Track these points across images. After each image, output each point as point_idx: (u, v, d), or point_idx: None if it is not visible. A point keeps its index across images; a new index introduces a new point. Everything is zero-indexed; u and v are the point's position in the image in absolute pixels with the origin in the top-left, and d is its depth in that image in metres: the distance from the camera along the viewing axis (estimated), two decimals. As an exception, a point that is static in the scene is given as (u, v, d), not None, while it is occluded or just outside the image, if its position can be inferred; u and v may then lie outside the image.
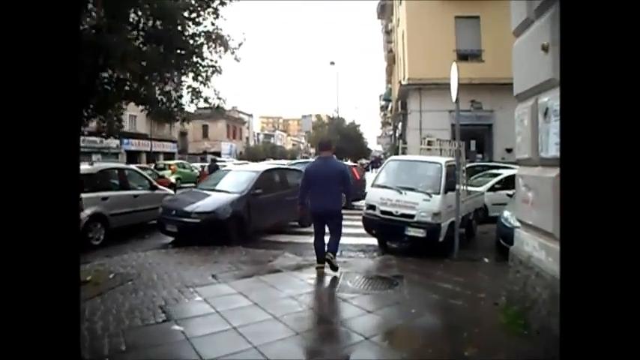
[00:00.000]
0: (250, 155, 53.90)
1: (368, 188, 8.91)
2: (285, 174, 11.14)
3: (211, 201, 9.12)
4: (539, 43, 4.14)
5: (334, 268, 6.72)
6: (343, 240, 9.59)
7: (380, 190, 8.60)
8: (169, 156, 46.83)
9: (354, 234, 10.29)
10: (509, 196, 10.17)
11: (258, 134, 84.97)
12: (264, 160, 38.98)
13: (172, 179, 25.20)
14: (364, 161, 45.68)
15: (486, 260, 8.17)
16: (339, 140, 35.56)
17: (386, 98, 39.86)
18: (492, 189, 12.51)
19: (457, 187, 8.00)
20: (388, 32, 35.79)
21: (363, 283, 6.31)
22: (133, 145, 42.23)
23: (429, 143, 10.85)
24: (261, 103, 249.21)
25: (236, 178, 10.13)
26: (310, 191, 6.87)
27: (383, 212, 8.36)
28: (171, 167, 30.01)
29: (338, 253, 7.28)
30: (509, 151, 20.13)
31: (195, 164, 35.60)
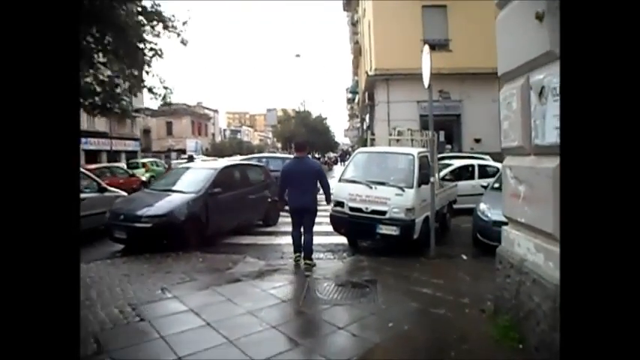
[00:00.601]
0: (217, 151, 52.46)
1: (335, 183, 8.20)
2: (246, 171, 10.30)
3: (164, 203, 8.21)
4: (531, 11, 3.49)
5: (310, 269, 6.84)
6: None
7: (348, 185, 7.90)
8: (132, 155, 45.01)
9: (322, 232, 9.57)
10: (484, 187, 9.66)
11: (224, 130, 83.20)
12: (230, 156, 37.81)
13: (144, 178, 23.78)
14: (332, 155, 45.07)
15: (464, 257, 7.60)
16: (305, 134, 34.75)
17: (353, 90, 39.28)
18: (443, 179, 12.04)
19: (431, 179, 7.37)
20: (354, 24, 35.19)
21: (332, 291, 5.59)
22: (92, 144, 40.29)
23: (399, 133, 10.22)
24: (227, 98, 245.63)
25: (192, 177, 9.23)
26: (288, 189, 7.19)
27: (352, 209, 7.67)
28: (145, 165, 28.52)
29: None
30: (477, 141, 19.85)
31: (159, 162, 34.24)
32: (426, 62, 7.39)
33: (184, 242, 7.94)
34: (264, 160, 16.48)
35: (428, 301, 5.13)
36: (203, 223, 8.46)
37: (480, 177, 12.39)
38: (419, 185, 7.43)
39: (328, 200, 7.58)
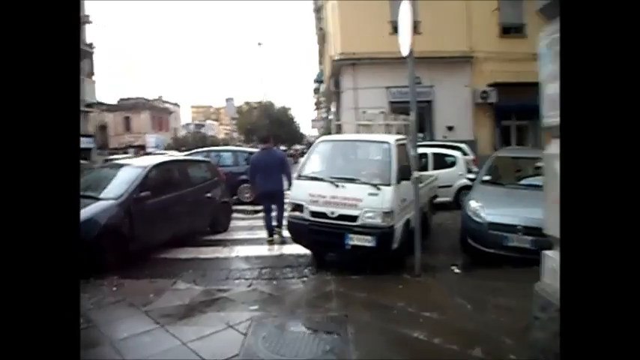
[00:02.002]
0: (179, 146, 49.70)
1: (292, 181, 6.45)
2: (186, 168, 8.34)
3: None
4: None
5: (283, 240, 7.67)
6: (262, 252, 7.26)
7: (308, 184, 6.14)
8: (85, 152, 41.93)
9: (277, 240, 7.84)
10: (471, 180, 8.08)
11: (188, 124, 79.92)
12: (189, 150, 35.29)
13: None
14: (298, 147, 43.15)
15: (456, 270, 6.00)
16: (268, 125, 32.72)
17: (318, 79, 37.44)
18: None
19: (414, 174, 5.68)
20: (318, 10, 33.30)
21: (284, 342, 3.83)
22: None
23: (369, 119, 8.50)
24: (191, 92, 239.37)
25: (114, 179, 7.27)
26: (257, 177, 7.89)
27: (314, 214, 5.93)
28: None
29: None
30: (450, 128, 18.43)
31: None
32: (404, 17, 5.65)
33: (99, 263, 6.04)
34: (212, 155, 14.49)
35: (424, 357, 3.45)
36: (125, 237, 6.55)
37: (436, 167, 10.89)
38: (398, 182, 5.75)
39: (290, 185, 7.33)
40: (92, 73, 45.02)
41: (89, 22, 45.18)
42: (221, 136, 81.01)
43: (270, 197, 7.80)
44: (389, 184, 5.66)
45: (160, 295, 5.17)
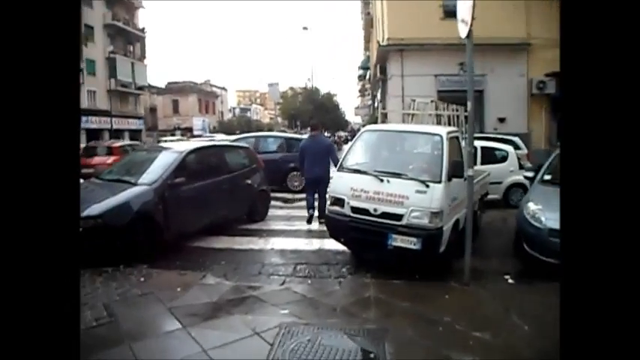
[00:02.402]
0: (224, 130, 50.17)
1: (332, 173, 5.96)
2: (224, 154, 8.00)
3: (102, 200, 6.03)
4: None
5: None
6: (299, 245, 6.84)
7: (350, 177, 5.64)
8: (135, 134, 43.14)
9: (317, 233, 7.39)
10: (528, 177, 7.33)
11: (234, 108, 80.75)
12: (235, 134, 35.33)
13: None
14: (342, 133, 42.47)
15: (510, 280, 5.37)
16: (312, 111, 32.25)
17: (364, 66, 36.66)
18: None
19: (468, 171, 5.06)
20: (365, -6, 32.44)
21: (312, 358, 3.39)
22: (93, 122, 38.37)
23: (417, 108, 7.83)
24: (237, 76, 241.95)
25: (151, 164, 7.02)
26: (305, 163, 8.16)
27: (355, 210, 5.44)
28: (114, 151, 24.50)
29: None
30: (502, 120, 17.36)
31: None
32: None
33: (130, 251, 5.82)
34: (261, 140, 14.06)
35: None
36: (158, 224, 6.30)
37: (485, 162, 9.98)
38: (449, 179, 5.16)
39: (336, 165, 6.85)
40: (144, 57, 46.01)
41: (141, 7, 46.13)
42: (266, 120, 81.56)
43: (316, 183, 7.98)
44: (439, 182, 5.08)
45: (188, 290, 4.86)
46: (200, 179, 7.11)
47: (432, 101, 7.83)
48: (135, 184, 6.45)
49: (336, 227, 5.72)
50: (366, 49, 38.64)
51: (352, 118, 51.85)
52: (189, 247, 6.84)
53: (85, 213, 5.73)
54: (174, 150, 7.23)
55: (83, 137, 36.19)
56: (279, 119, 55.26)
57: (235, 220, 8.14)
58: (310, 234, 7.52)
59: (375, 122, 20.15)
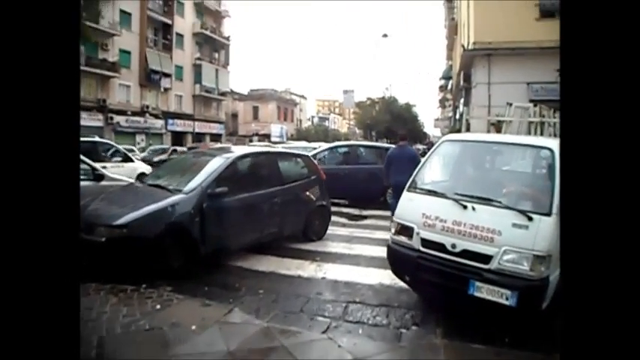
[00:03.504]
0: (301, 138, 50.05)
1: (402, 196, 4.63)
2: (276, 162, 6.95)
3: (132, 207, 5.19)
4: None
5: None
6: (355, 277, 5.58)
7: (422, 199, 4.29)
8: (216, 137, 44.22)
9: (377, 261, 6.06)
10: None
11: (312, 117, 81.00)
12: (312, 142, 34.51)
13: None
14: (420, 146, 40.38)
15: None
16: (389, 121, 30.70)
17: (445, 76, 34.51)
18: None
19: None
20: (450, 0, 30.48)
21: None
22: (178, 125, 39.81)
23: (512, 114, 6.23)
24: (318, 86, 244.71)
25: (193, 169, 6.12)
26: (391, 170, 8.01)
27: (426, 244, 4.09)
28: None
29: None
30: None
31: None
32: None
33: (158, 267, 4.93)
34: (353, 150, 12.82)
35: None
36: (193, 239, 5.36)
37: None
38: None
39: None
40: (227, 64, 47.16)
41: (228, 16, 47.37)
42: (343, 130, 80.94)
43: (401, 190, 6.78)
44: (548, 213, 3.60)
45: (205, 329, 3.80)
46: (248, 190, 6.11)
47: (535, 105, 6.22)
48: (171, 192, 5.57)
49: (400, 263, 4.40)
50: (449, 57, 36.47)
51: (431, 130, 49.43)
52: (227, 267, 5.86)
53: (109, 221, 4.94)
54: (220, 155, 6.26)
55: (169, 139, 37.63)
56: (356, 129, 54.15)
57: (288, 238, 7.05)
58: (371, 262, 6.22)
59: (458, 132, 18.30)
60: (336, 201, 11.30)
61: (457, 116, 27.04)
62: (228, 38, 46.53)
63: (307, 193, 7.25)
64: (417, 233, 4.16)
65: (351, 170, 11.34)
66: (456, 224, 3.91)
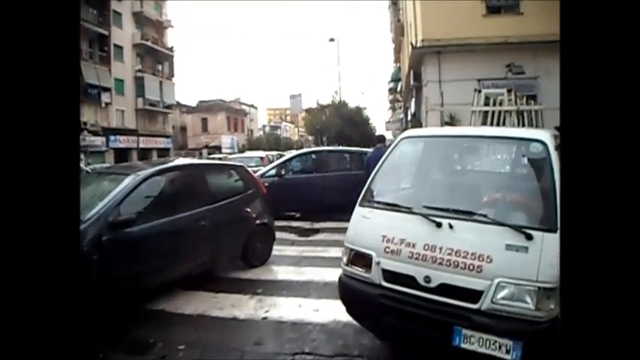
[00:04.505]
0: (253, 147, 48.44)
1: (354, 212, 3.50)
2: (202, 177, 5.58)
3: None
4: None
5: None
6: (305, 314, 4.47)
7: (381, 217, 3.21)
8: (163, 152, 41.96)
9: (328, 287, 4.94)
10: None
11: (264, 126, 79.34)
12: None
13: None
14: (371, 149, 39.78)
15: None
16: (340, 124, 29.82)
17: (394, 78, 34.16)
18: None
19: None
20: (395, 2, 30.15)
21: None
22: (121, 142, 37.33)
23: (488, 101, 5.22)
24: (268, 95, 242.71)
25: (93, 193, 4.77)
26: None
27: (391, 276, 3.01)
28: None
29: None
30: (559, 129, 14.58)
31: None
32: None
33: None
34: (316, 155, 11.62)
35: None
36: (90, 281, 4.03)
37: None
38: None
39: None
40: (172, 75, 45.01)
41: (170, 27, 45.29)
42: (295, 138, 79.86)
43: None
44: (552, 229, 2.58)
45: None
46: (165, 213, 4.85)
47: (509, 90, 5.29)
48: (60, 224, 4.23)
49: (356, 304, 3.29)
50: (397, 60, 36.26)
51: (383, 133, 49.24)
52: (145, 313, 4.58)
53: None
54: (130, 174, 4.95)
55: (111, 157, 35.21)
56: (309, 137, 53.26)
57: (224, 266, 5.82)
58: (324, 290, 5.10)
59: (381, 137, 17.46)
60: (287, 214, 10.21)
61: (408, 117, 26.52)
62: (171, 49, 44.44)
63: (245, 210, 6.06)
64: (377, 263, 3.07)
65: (321, 178, 10.27)
66: (428, 249, 2.84)
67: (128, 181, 4.68)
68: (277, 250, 6.67)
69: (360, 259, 3.21)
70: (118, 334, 4.08)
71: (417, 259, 2.88)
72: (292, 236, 8.34)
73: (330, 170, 10.73)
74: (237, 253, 5.88)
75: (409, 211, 3.03)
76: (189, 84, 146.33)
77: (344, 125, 29.54)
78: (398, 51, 32.71)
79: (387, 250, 3.02)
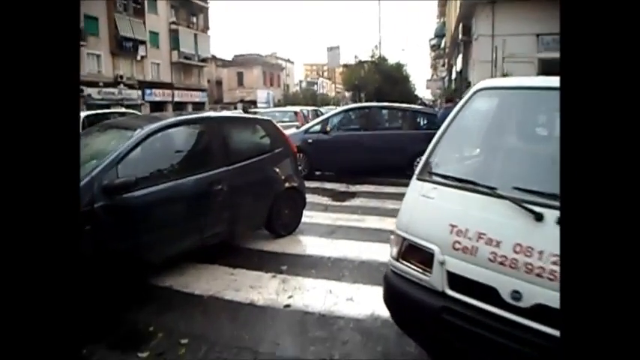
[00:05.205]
0: (289, 103, 47.43)
1: (409, 187, 2.57)
2: (219, 133, 4.64)
3: None
4: None
5: None
6: (337, 304, 3.67)
7: (450, 197, 2.29)
8: (198, 106, 41.59)
9: (365, 267, 4.11)
10: None
11: (300, 82, 77.72)
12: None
13: None
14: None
15: None
16: (379, 82, 28.21)
17: (438, 34, 31.93)
18: None
19: None
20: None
21: None
22: (157, 95, 37.09)
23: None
24: (306, 50, 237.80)
25: (90, 150, 4.01)
26: None
27: (460, 283, 2.12)
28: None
29: None
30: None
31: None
32: None
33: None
34: (372, 112, 10.43)
35: None
36: (81, 256, 3.32)
37: None
38: None
39: None
40: (207, 28, 43.92)
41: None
42: (332, 94, 78.13)
43: None
44: None
45: None
46: (173, 176, 4.08)
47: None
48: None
49: (408, 314, 2.41)
50: (441, 15, 33.86)
51: (422, 92, 46.76)
52: (149, 290, 3.92)
53: None
54: (135, 127, 4.14)
55: (147, 110, 35.09)
56: (346, 94, 51.78)
57: (246, 235, 5.09)
58: (360, 270, 4.28)
59: (452, 96, 16.08)
60: (318, 174, 9.43)
61: (453, 76, 24.75)
62: (206, 0, 43.16)
63: (271, 171, 5.23)
64: (441, 262, 2.17)
65: (370, 137, 9.38)
66: (521, 252, 1.92)
67: (130, 137, 3.89)
68: (307, 216, 5.87)
69: (416, 253, 2.31)
70: (111, 319, 3.41)
71: (501, 264, 1.96)
72: (325, 200, 7.53)
73: (381, 128, 9.84)
74: (261, 221, 5.11)
75: (493, 192, 2.08)
76: (225, 37, 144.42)
77: (383, 82, 27.87)
78: (443, 4, 30.41)
79: (457, 246, 2.11)
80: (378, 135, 9.48)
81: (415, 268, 2.31)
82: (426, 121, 9.95)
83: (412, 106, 12.76)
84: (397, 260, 2.43)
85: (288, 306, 3.66)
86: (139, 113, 14.48)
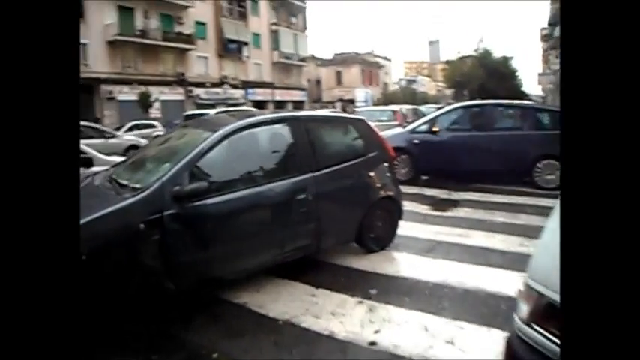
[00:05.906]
0: (388, 102, 46.37)
1: (552, 215, 1.79)
2: (305, 135, 4.09)
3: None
4: None
5: None
6: (429, 348, 2.97)
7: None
8: (298, 105, 42.35)
9: (471, 297, 3.31)
10: None
11: (400, 80, 75.98)
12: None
13: None
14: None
15: None
16: (483, 77, 26.16)
17: (552, 21, 28.91)
18: None
19: None
20: None
21: None
22: (258, 94, 38.40)
23: None
24: (405, 48, 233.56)
25: (171, 151, 3.77)
26: None
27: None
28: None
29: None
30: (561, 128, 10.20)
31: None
32: None
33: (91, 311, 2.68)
34: (474, 110, 9.39)
35: None
36: (149, 266, 3.05)
37: None
38: None
39: None
40: (305, 28, 44.53)
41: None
42: (432, 92, 75.37)
43: None
44: None
45: None
46: (252, 182, 3.64)
47: None
48: (120, 193, 3.28)
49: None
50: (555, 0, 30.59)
51: (533, 88, 42.63)
52: (220, 306, 3.53)
53: None
54: (209, 128, 3.78)
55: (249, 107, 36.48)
56: (447, 91, 49.28)
57: (332, 250, 4.54)
58: (465, 302, 3.52)
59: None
60: (425, 178, 8.67)
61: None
62: (303, 1, 43.75)
63: (364, 178, 4.62)
64: None
65: (485, 138, 8.38)
66: None
67: (204, 139, 3.52)
68: (403, 227, 5.14)
69: (558, 317, 1.56)
70: (172, 339, 3.05)
71: None
72: (424, 209, 6.73)
73: (497, 129, 8.60)
74: (351, 234, 4.51)
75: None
76: (324, 37, 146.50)
77: (487, 78, 25.81)
78: (561, -12, 27.41)
79: None
80: (494, 136, 8.35)
81: (557, 340, 1.56)
82: (550, 120, 8.50)
83: (533, 104, 11.21)
84: (528, 325, 1.68)
85: (373, 343, 3.03)
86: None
